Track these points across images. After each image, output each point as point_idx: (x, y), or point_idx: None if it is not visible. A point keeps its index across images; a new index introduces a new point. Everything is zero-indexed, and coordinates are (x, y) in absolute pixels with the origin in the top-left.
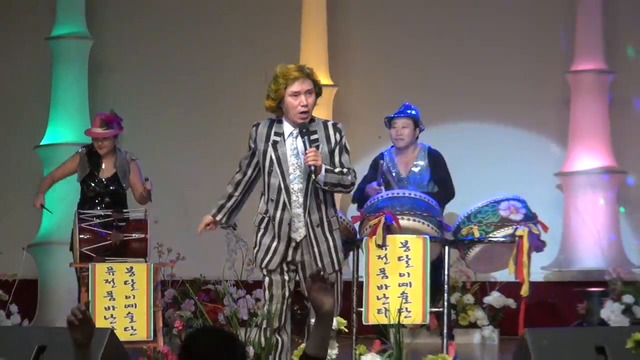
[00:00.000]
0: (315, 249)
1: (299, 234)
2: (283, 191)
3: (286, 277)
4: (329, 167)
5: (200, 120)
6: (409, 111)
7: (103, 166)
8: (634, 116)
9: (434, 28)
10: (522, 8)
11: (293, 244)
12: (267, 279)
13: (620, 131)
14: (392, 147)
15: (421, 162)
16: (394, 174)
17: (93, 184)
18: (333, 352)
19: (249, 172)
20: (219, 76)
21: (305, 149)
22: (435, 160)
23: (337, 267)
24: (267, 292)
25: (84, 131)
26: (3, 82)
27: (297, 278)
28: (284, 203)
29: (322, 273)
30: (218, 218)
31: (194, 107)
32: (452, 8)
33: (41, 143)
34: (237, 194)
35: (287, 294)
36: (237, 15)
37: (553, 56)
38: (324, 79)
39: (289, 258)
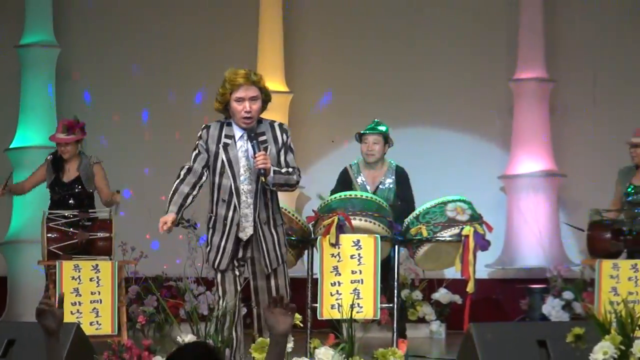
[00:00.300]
0: (263, 246)
1: (246, 233)
2: (234, 192)
3: (237, 273)
4: (276, 169)
5: (161, 123)
6: (380, 127)
7: (67, 170)
8: (573, 122)
9: (386, 37)
10: (468, 20)
11: (243, 241)
12: (219, 275)
13: (560, 136)
14: (358, 159)
15: (389, 180)
16: (361, 186)
17: (57, 187)
18: (289, 345)
19: (205, 173)
20: (179, 82)
21: (254, 152)
22: (402, 179)
23: (281, 261)
24: (219, 288)
25: (49, 137)
26: None
27: (247, 274)
28: (235, 204)
29: (283, 299)
30: (174, 215)
31: (154, 110)
32: (403, 18)
33: (10, 146)
34: (194, 193)
35: (238, 288)
36: (197, 25)
37: (497, 65)
38: (279, 86)
39: (239, 255)
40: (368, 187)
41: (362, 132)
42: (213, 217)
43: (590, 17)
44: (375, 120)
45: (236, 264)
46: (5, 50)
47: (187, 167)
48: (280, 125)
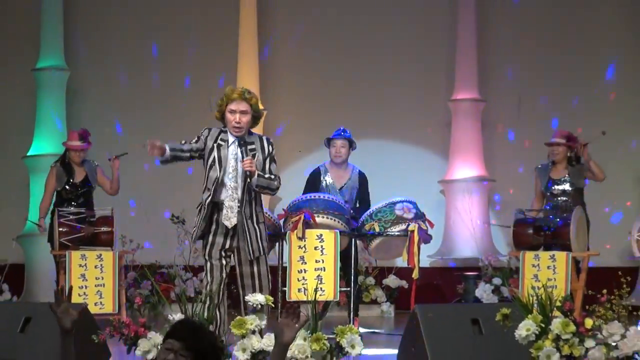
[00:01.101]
0: (247, 236)
1: (231, 222)
2: (218, 183)
3: (224, 262)
4: (260, 174)
5: (154, 132)
6: (346, 134)
7: (76, 172)
8: (501, 136)
9: (346, 61)
10: (416, 47)
11: (230, 232)
12: (208, 264)
13: (490, 147)
14: (325, 162)
15: (352, 181)
16: (328, 185)
17: (68, 187)
18: (262, 322)
19: (191, 154)
20: (172, 98)
21: (243, 157)
22: (363, 183)
23: (262, 252)
24: (208, 274)
25: (63, 143)
26: (2, 106)
27: (233, 262)
28: (217, 192)
29: (297, 309)
30: (165, 146)
31: (148, 121)
32: (363, 46)
33: (27, 154)
34: (185, 150)
35: (224, 276)
36: (186, 52)
37: (438, 86)
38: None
39: (227, 246)
40: (335, 185)
41: (330, 137)
42: (200, 204)
43: (516, 45)
44: (342, 127)
45: (223, 254)
46: (24, 72)
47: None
48: (267, 138)
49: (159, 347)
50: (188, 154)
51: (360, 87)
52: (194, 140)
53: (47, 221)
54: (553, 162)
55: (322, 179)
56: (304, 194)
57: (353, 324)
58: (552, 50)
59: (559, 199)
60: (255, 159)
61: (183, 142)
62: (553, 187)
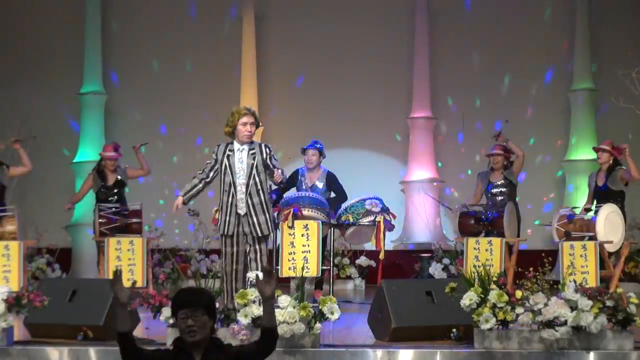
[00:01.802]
0: (255, 220)
1: (242, 210)
2: (232, 185)
3: (234, 248)
4: (281, 174)
5: (175, 143)
6: (317, 145)
7: (108, 178)
8: (449, 146)
9: (325, 86)
10: (381, 75)
11: (240, 219)
12: (222, 242)
13: (440, 155)
14: (303, 167)
15: (321, 183)
16: (304, 183)
17: (103, 189)
18: (257, 295)
19: (211, 174)
20: (187, 113)
21: (249, 160)
22: (331, 179)
23: (267, 232)
24: (222, 250)
25: (99, 153)
26: (52, 122)
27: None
28: (232, 192)
29: (269, 268)
30: (185, 200)
31: (170, 133)
32: (338, 68)
33: (74, 161)
34: (200, 186)
35: (236, 253)
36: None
37: (398, 107)
38: None
39: (239, 229)
40: (309, 184)
41: (304, 147)
42: (220, 202)
43: (460, 74)
44: (314, 140)
45: (235, 239)
46: (71, 96)
47: (200, 171)
48: (265, 144)
49: (176, 320)
50: (202, 185)
51: (337, 106)
52: (207, 164)
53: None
54: (492, 168)
55: (299, 178)
56: (288, 184)
57: (315, 295)
58: (490, 78)
59: (497, 198)
60: (256, 160)
61: (193, 177)
62: (492, 189)
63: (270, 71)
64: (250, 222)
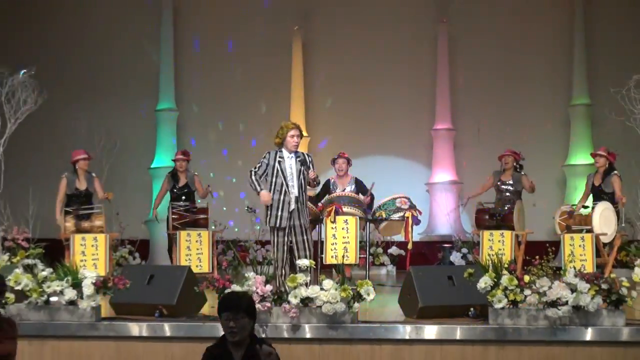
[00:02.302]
0: (301, 215)
1: (292, 207)
2: (285, 185)
3: (285, 239)
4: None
5: (235, 152)
6: (345, 156)
7: (180, 180)
8: (467, 153)
9: (361, 103)
10: (408, 93)
11: (291, 215)
12: (274, 234)
13: (459, 161)
14: (333, 177)
15: (351, 187)
16: (337, 189)
17: (175, 190)
18: (308, 278)
19: (261, 173)
20: (246, 128)
21: (297, 166)
22: (360, 183)
23: (308, 226)
24: (274, 242)
25: (172, 159)
26: (132, 134)
27: (291, 237)
28: (285, 191)
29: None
30: (262, 189)
31: (231, 143)
32: (371, 95)
33: (151, 166)
34: (261, 179)
35: (286, 243)
36: (256, 96)
37: (423, 118)
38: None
39: (290, 222)
40: (339, 189)
41: (334, 158)
42: (272, 201)
43: (477, 91)
44: (341, 152)
45: (287, 230)
46: (149, 112)
47: (256, 169)
48: (308, 154)
49: (221, 323)
50: (261, 178)
51: (371, 119)
52: (259, 167)
53: (162, 214)
54: (504, 169)
55: (331, 187)
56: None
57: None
58: (501, 95)
59: (505, 194)
60: (301, 165)
61: (259, 175)
62: (502, 186)
63: (315, 89)
64: (299, 216)
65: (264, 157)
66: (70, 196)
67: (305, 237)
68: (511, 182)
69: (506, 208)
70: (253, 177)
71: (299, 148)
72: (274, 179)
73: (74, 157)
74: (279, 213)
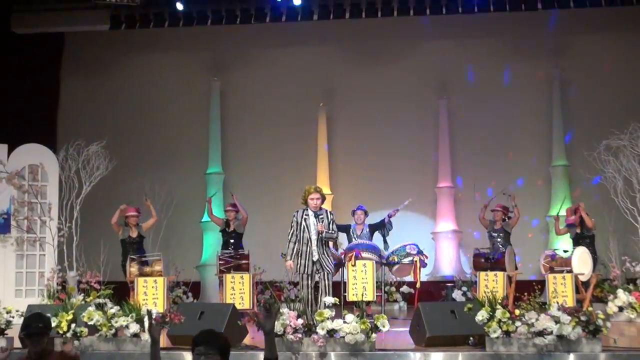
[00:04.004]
0: (324, 264)
1: (315, 257)
2: (309, 239)
3: (309, 280)
4: (326, 231)
5: (271, 200)
6: (363, 208)
7: (231, 226)
8: (466, 207)
9: (374, 163)
10: (414, 156)
11: (315, 263)
12: (303, 281)
13: (459, 215)
14: (354, 223)
15: (365, 231)
16: (356, 234)
17: (225, 236)
18: (331, 313)
19: (294, 234)
20: (282, 187)
21: (317, 223)
22: (371, 230)
23: (331, 271)
24: (301, 284)
25: (225, 211)
26: (187, 193)
27: (317, 279)
28: (308, 244)
29: (268, 305)
30: (291, 259)
31: (269, 192)
32: (382, 157)
33: (202, 220)
34: (296, 245)
35: (311, 285)
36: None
37: (428, 178)
38: (327, 189)
39: (314, 269)
40: (357, 234)
41: (354, 210)
42: (298, 251)
43: (474, 153)
44: (360, 205)
45: (311, 275)
46: (199, 175)
47: (291, 236)
48: (330, 211)
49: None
50: (296, 245)
51: (384, 179)
52: (292, 230)
53: (211, 259)
54: (495, 221)
55: (350, 231)
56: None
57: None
58: (493, 158)
59: (496, 240)
60: (323, 222)
61: (293, 242)
62: (493, 233)
63: (337, 155)
64: (321, 265)
65: (294, 216)
66: (125, 242)
67: (326, 282)
68: (502, 233)
69: (498, 253)
70: (290, 245)
71: (323, 205)
72: (301, 234)
73: (127, 212)
74: (305, 262)
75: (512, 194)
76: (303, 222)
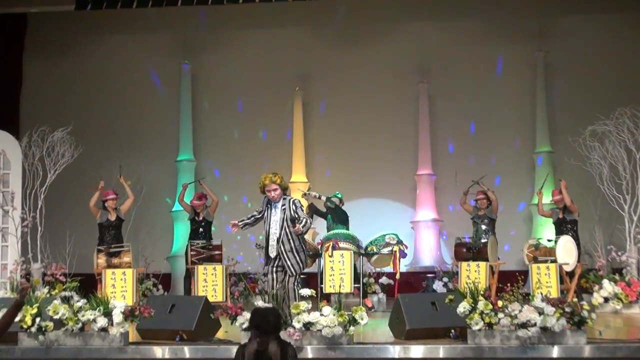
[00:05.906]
0: (287, 262)
1: (273, 254)
2: (267, 232)
3: (274, 276)
4: (301, 230)
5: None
6: (338, 195)
7: (200, 214)
8: (446, 195)
9: (353, 151)
10: (395, 143)
11: (272, 260)
12: (268, 276)
13: (439, 202)
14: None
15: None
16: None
17: (193, 226)
18: (307, 306)
19: (257, 216)
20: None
21: (280, 215)
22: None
23: (295, 273)
24: (269, 279)
25: (190, 201)
26: (157, 181)
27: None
28: (267, 237)
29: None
30: (239, 222)
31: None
32: (361, 145)
33: (172, 210)
34: (251, 220)
35: (276, 283)
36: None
37: (407, 165)
38: (303, 177)
39: (276, 263)
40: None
41: (328, 196)
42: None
43: (455, 140)
44: (336, 192)
45: (274, 269)
46: (170, 162)
47: (257, 211)
48: (294, 200)
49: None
50: (252, 220)
51: (362, 167)
52: (258, 210)
53: (181, 251)
54: (480, 208)
55: (329, 217)
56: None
57: (364, 305)
58: (476, 145)
59: (480, 226)
60: (285, 213)
61: (250, 215)
62: (476, 220)
63: (313, 141)
64: (281, 264)
65: (262, 201)
66: (102, 226)
67: (290, 286)
68: (486, 219)
69: (481, 242)
70: (245, 219)
71: (292, 193)
72: (264, 225)
73: (104, 196)
74: (266, 255)
75: (481, 181)
76: (266, 212)
